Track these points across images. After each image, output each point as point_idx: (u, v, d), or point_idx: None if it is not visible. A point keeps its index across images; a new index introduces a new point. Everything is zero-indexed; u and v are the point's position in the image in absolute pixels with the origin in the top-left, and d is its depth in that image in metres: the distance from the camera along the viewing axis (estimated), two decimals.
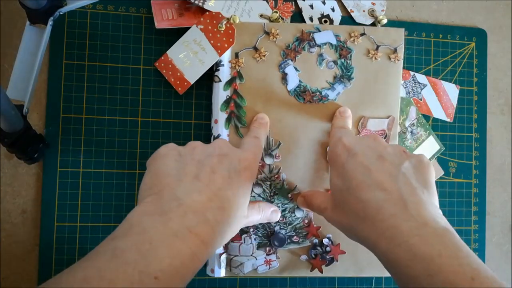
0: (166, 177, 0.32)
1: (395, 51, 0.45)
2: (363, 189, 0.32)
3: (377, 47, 0.45)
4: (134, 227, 0.28)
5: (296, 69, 0.44)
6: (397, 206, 0.31)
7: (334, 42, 0.45)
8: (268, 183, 0.44)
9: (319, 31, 0.45)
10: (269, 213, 0.41)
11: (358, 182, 0.33)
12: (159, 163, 0.33)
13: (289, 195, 0.44)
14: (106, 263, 0.25)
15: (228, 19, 0.44)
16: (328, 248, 0.45)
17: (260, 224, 0.44)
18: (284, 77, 0.44)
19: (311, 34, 0.45)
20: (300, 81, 0.45)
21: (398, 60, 0.45)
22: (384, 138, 0.45)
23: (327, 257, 0.45)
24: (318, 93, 0.45)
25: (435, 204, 0.32)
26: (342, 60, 0.45)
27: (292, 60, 0.45)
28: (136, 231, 0.27)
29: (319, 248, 0.45)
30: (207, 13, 0.44)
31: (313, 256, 0.45)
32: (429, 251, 0.27)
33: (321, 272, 0.45)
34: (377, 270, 0.46)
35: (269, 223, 0.44)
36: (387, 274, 0.46)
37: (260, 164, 0.44)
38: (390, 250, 0.29)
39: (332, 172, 0.37)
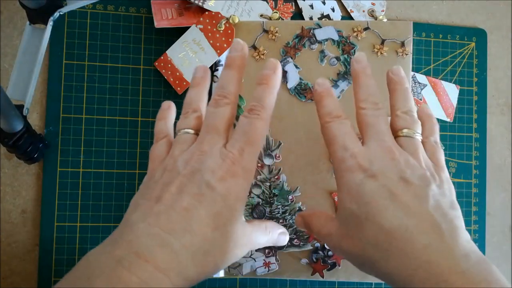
0: (130, 207, 0.29)
1: (402, 45, 0.45)
2: (387, 215, 0.27)
3: (383, 41, 0.44)
4: (79, 264, 0.25)
5: (296, 66, 0.44)
6: (430, 234, 0.26)
7: (336, 37, 0.44)
8: (268, 184, 0.44)
9: (320, 27, 0.44)
10: (276, 235, 0.35)
11: (380, 207, 0.27)
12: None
13: (290, 197, 0.44)
14: None
15: (228, 19, 0.44)
16: (330, 252, 0.44)
17: None
18: (284, 75, 0.44)
19: (312, 31, 0.44)
20: (300, 78, 0.44)
21: (406, 54, 0.44)
22: None
23: (329, 261, 0.44)
24: None
25: (465, 228, 0.28)
26: (345, 56, 0.44)
27: (292, 58, 0.44)
28: (78, 267, 0.25)
29: (320, 252, 0.44)
30: (207, 13, 0.44)
31: (314, 260, 0.44)
32: None
33: (322, 276, 0.44)
34: None
35: None
36: None
37: (259, 165, 0.43)
38: None
39: (341, 193, 0.30)
